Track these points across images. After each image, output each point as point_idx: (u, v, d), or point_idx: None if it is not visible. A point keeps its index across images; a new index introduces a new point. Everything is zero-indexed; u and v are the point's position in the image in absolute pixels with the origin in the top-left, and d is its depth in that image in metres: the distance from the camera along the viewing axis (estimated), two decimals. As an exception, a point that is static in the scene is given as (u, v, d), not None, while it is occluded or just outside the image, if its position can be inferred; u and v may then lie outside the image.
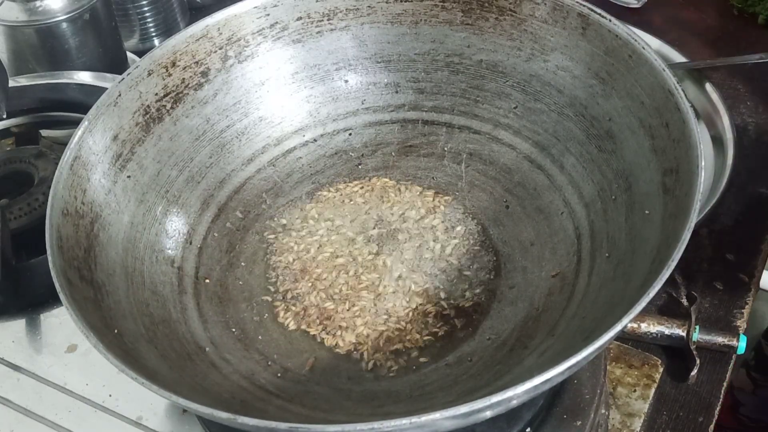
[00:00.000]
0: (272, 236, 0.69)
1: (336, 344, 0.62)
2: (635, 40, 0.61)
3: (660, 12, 1.12)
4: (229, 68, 0.71)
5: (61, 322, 0.70)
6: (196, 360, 0.59)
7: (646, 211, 0.58)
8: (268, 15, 0.71)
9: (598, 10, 0.63)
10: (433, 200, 0.71)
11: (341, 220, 0.70)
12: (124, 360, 0.48)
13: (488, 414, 0.48)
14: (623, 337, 0.73)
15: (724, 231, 0.83)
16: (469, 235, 0.68)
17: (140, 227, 0.64)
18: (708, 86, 0.93)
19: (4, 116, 0.81)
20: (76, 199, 0.59)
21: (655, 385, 0.69)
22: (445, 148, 0.73)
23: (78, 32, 0.90)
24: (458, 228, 0.68)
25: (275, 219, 0.71)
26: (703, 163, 0.53)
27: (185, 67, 0.69)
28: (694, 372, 0.70)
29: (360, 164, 0.74)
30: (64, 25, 0.89)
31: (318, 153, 0.74)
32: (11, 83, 0.84)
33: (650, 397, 0.68)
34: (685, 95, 0.57)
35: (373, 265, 0.66)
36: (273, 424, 0.44)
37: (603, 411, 0.64)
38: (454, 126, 0.73)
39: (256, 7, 0.70)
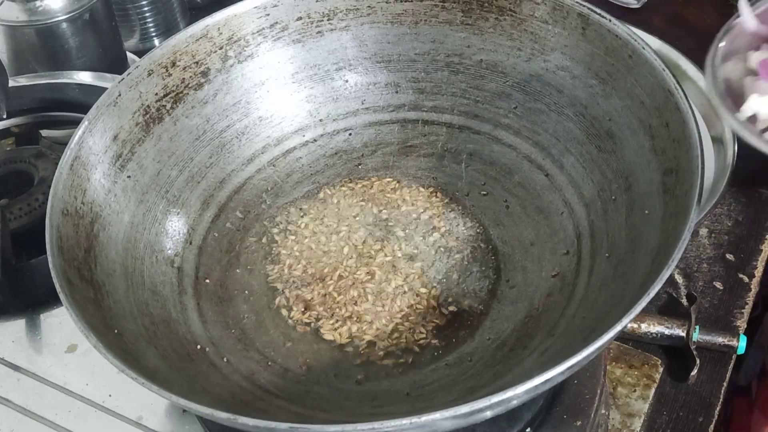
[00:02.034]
0: (272, 236, 0.69)
1: (336, 344, 0.62)
2: (635, 40, 0.61)
3: (660, 12, 1.12)
4: (229, 68, 0.71)
5: (61, 322, 0.70)
6: (196, 360, 0.59)
7: (646, 211, 0.58)
8: (268, 15, 0.71)
9: (598, 10, 0.63)
10: (433, 200, 0.71)
11: (341, 221, 0.70)
12: (124, 360, 0.48)
13: (488, 414, 0.48)
14: (623, 337, 0.73)
15: (724, 231, 0.83)
16: (469, 235, 0.68)
17: (140, 227, 0.64)
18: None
19: (4, 116, 0.81)
20: (76, 199, 0.59)
21: (655, 385, 0.69)
22: (445, 148, 0.73)
23: (78, 32, 0.90)
24: (458, 228, 0.68)
25: (275, 219, 0.71)
26: (703, 163, 0.53)
27: (185, 67, 0.69)
28: (694, 372, 0.70)
29: (360, 164, 0.74)
30: (64, 25, 0.89)
31: (318, 153, 0.74)
32: (11, 83, 0.84)
33: (650, 397, 0.68)
34: (685, 95, 0.57)
35: (372, 266, 0.66)
36: (273, 424, 0.44)
37: (603, 411, 0.64)
38: (454, 126, 0.73)
39: (256, 7, 0.70)
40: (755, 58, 0.50)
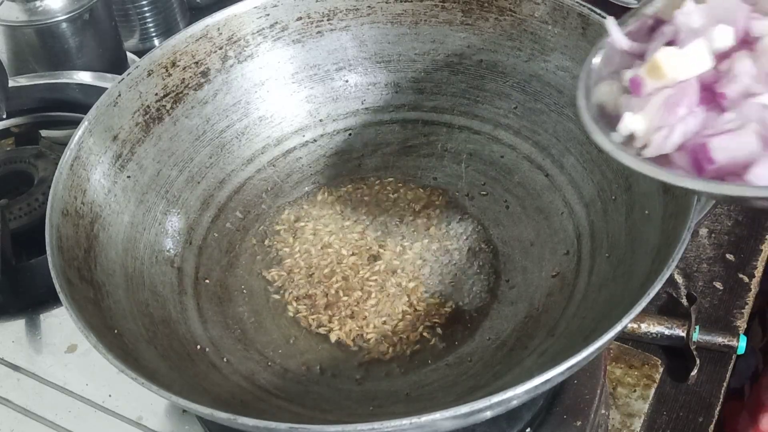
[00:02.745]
0: (272, 237, 0.69)
1: (336, 344, 0.62)
2: (635, 40, 0.61)
3: (660, 12, 1.12)
4: (229, 68, 0.71)
5: (61, 322, 0.70)
6: (196, 360, 0.59)
7: (646, 211, 0.58)
8: (268, 15, 0.71)
9: (598, 11, 0.63)
10: (433, 200, 0.71)
11: (341, 221, 0.70)
12: (124, 360, 0.48)
13: (488, 414, 0.48)
14: (623, 337, 0.73)
15: (724, 231, 0.83)
16: (469, 235, 0.68)
17: (140, 227, 0.64)
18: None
19: (4, 116, 0.81)
20: (76, 200, 0.59)
21: (655, 385, 0.69)
22: (445, 148, 0.73)
23: (78, 32, 0.90)
24: (458, 228, 0.68)
25: (275, 219, 0.71)
26: (703, 163, 0.53)
27: (185, 67, 0.69)
28: (694, 372, 0.70)
29: (360, 164, 0.74)
30: (64, 25, 0.89)
31: (318, 153, 0.74)
32: (11, 83, 0.84)
33: (650, 397, 0.68)
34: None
35: (372, 266, 0.66)
36: (273, 424, 0.44)
37: (603, 411, 0.64)
38: (454, 126, 0.73)
39: (256, 7, 0.70)
40: (629, 76, 0.50)
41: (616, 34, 0.52)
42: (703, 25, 0.49)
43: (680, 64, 0.47)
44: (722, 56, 0.48)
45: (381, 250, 0.67)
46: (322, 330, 0.63)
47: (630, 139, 0.48)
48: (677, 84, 0.47)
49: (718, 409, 0.70)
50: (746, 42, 0.48)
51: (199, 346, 0.60)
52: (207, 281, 0.66)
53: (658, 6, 0.53)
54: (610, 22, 0.52)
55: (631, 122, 0.48)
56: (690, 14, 0.50)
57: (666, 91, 0.47)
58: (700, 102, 0.47)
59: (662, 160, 0.47)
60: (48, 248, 0.54)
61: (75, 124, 0.63)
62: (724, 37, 0.47)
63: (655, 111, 0.47)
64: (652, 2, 0.53)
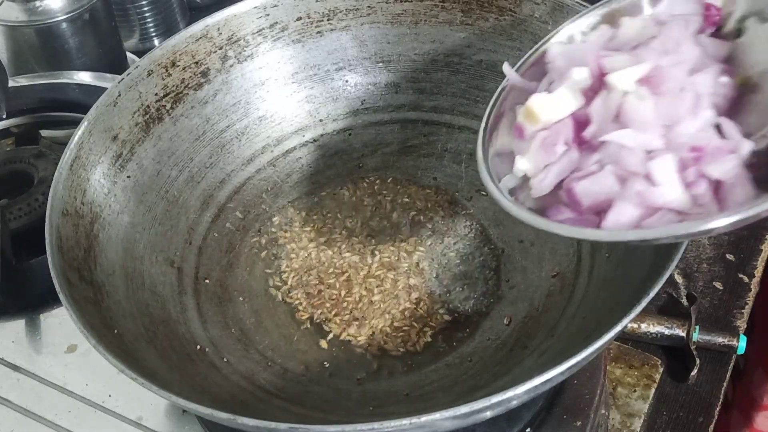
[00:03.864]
0: (272, 237, 0.69)
1: (336, 344, 0.62)
2: (635, 40, 0.61)
3: (660, 12, 1.12)
4: (228, 68, 0.71)
5: (61, 322, 0.70)
6: (196, 360, 0.59)
7: (646, 211, 0.58)
8: (268, 15, 0.71)
9: (598, 11, 0.63)
10: (433, 200, 0.71)
11: (341, 221, 0.70)
12: (124, 360, 0.48)
13: (488, 414, 0.48)
14: (623, 337, 0.73)
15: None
16: (469, 235, 0.68)
17: (140, 227, 0.64)
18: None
19: (4, 116, 0.81)
20: (76, 200, 0.59)
21: (655, 385, 0.69)
22: (445, 148, 0.73)
23: (78, 32, 0.90)
24: (458, 228, 0.68)
25: (275, 219, 0.71)
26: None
27: (185, 67, 0.69)
28: (694, 372, 0.70)
29: (360, 164, 0.74)
30: (64, 25, 0.89)
31: (318, 153, 0.74)
32: (11, 83, 0.84)
33: (650, 397, 0.68)
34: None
35: (372, 266, 0.66)
36: (273, 424, 0.44)
37: (603, 411, 0.64)
38: (454, 126, 0.73)
39: (256, 7, 0.70)
40: (521, 113, 0.51)
41: (510, 73, 0.54)
42: (564, 66, 0.50)
43: (551, 107, 0.49)
44: (593, 95, 0.49)
45: (381, 250, 0.67)
46: (321, 330, 0.63)
47: (526, 180, 0.50)
48: (552, 125, 0.48)
49: (718, 409, 0.70)
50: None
51: (199, 346, 0.60)
52: (207, 281, 0.66)
53: (544, 47, 0.54)
54: (506, 66, 0.54)
55: (521, 165, 0.49)
56: (555, 57, 0.52)
57: (542, 132, 0.49)
58: (575, 141, 0.48)
59: (553, 198, 0.48)
60: (48, 248, 0.54)
61: (75, 124, 0.63)
62: (582, 76, 0.49)
63: (536, 152, 0.48)
64: (546, 43, 0.55)
